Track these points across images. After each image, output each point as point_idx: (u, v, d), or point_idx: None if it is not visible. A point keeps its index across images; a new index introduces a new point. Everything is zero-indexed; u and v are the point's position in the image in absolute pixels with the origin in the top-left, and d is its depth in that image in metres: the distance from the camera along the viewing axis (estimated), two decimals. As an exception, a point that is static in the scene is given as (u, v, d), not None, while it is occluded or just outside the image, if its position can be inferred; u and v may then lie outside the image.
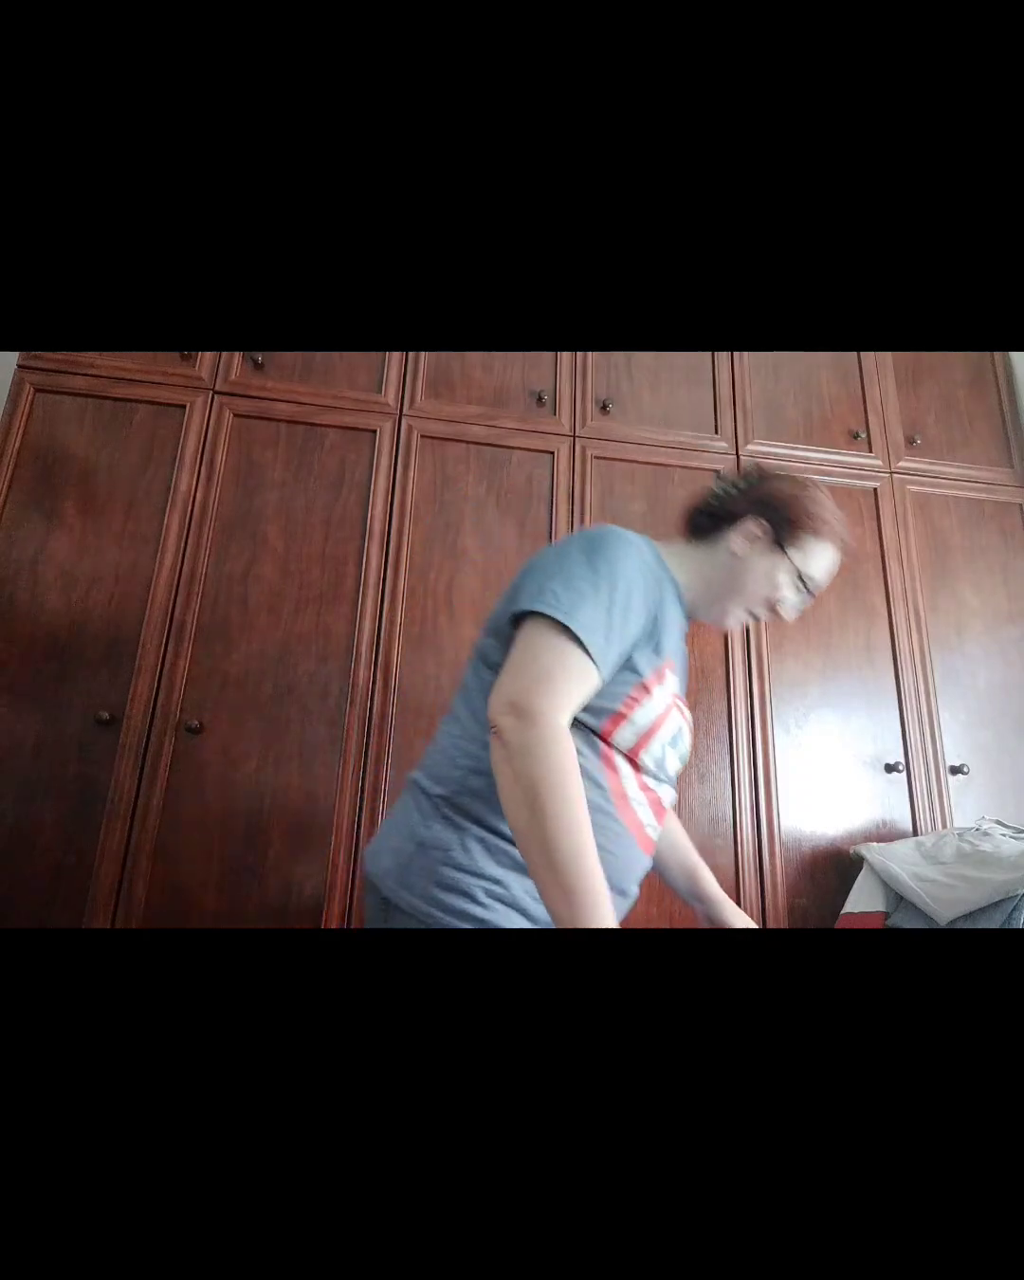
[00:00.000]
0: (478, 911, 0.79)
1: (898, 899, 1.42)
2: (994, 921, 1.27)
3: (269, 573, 1.58)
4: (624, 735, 0.88)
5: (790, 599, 0.97)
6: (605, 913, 0.69)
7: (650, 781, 0.92)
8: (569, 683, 0.79)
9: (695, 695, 1.64)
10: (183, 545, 1.57)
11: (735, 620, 1.00)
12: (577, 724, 0.86)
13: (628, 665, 0.88)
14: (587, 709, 0.86)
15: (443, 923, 0.79)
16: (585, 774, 0.83)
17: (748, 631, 1.73)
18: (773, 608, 0.98)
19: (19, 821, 1.38)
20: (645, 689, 0.89)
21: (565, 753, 0.75)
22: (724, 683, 1.69)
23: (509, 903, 0.81)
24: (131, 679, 1.47)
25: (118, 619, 1.51)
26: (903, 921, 1.39)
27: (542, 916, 0.81)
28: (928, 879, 1.37)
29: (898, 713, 1.74)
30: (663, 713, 0.91)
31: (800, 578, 0.96)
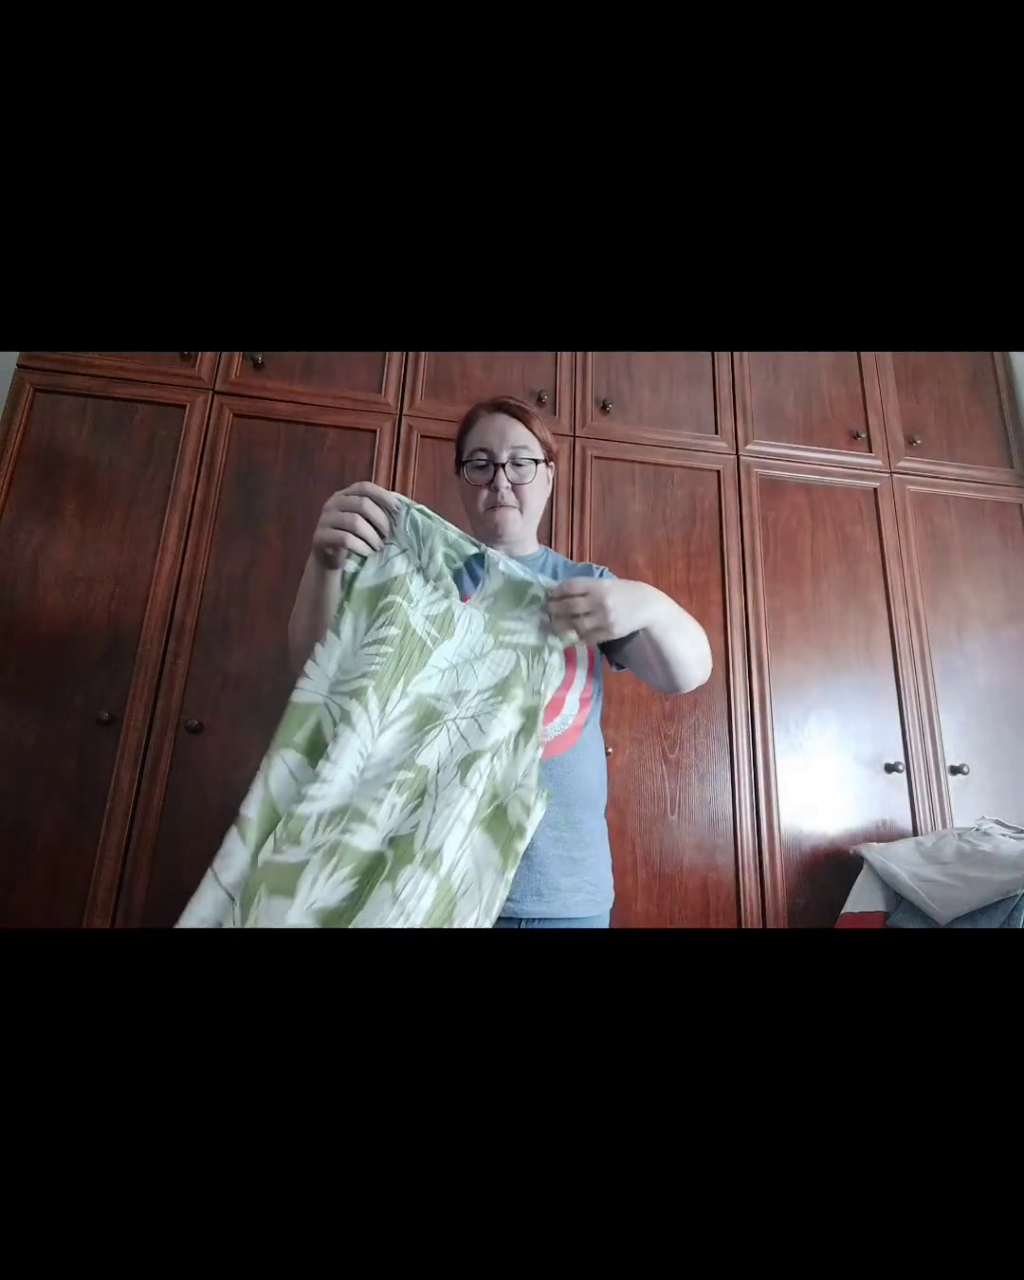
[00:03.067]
0: None
1: (898, 899, 1.42)
2: (994, 921, 1.27)
3: (269, 573, 1.58)
4: None
5: (471, 477, 1.07)
6: None
7: None
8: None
9: (696, 695, 1.64)
10: (183, 545, 1.56)
11: (484, 528, 1.09)
12: None
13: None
14: None
15: None
16: None
17: (748, 631, 1.73)
18: (484, 490, 1.06)
19: (19, 821, 1.38)
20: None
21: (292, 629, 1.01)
22: (724, 682, 1.69)
23: None
24: (131, 679, 1.47)
25: (118, 619, 1.51)
26: (903, 921, 1.39)
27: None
28: (928, 879, 1.37)
29: (898, 713, 1.74)
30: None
31: (462, 460, 1.08)
